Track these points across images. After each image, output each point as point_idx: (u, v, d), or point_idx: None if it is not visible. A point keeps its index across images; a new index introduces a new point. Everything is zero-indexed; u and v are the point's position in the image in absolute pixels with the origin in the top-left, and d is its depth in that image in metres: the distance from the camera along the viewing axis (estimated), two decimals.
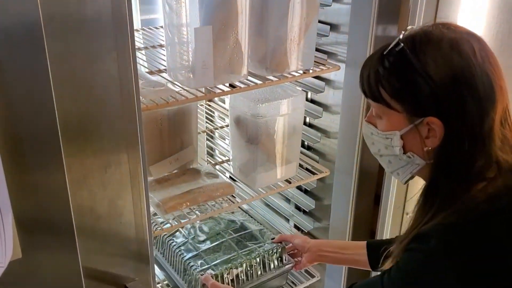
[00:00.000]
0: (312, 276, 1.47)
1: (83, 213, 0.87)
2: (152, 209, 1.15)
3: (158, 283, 1.48)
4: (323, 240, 1.26)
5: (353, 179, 1.29)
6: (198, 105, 1.45)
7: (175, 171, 1.28)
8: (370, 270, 1.12)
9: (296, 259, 1.32)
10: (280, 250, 1.30)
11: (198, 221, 1.41)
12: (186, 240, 1.34)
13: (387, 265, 0.84)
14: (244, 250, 1.30)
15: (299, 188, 1.48)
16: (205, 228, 1.40)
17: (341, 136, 1.29)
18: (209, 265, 1.23)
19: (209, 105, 1.67)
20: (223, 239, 1.35)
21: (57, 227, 0.83)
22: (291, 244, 1.31)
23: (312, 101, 1.37)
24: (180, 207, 1.12)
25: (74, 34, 0.75)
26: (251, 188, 1.24)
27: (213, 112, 1.68)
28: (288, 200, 1.57)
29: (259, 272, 1.28)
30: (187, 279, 1.26)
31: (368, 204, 1.36)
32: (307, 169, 1.39)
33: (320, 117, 1.34)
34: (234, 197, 1.21)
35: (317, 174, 1.33)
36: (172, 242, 1.34)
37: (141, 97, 0.96)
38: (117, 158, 0.87)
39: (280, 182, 1.29)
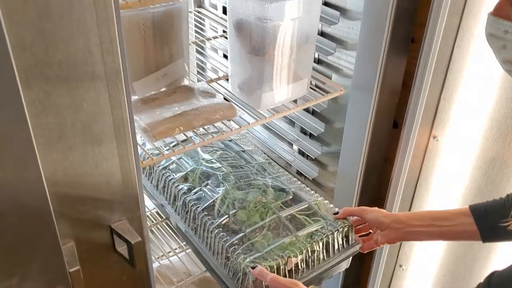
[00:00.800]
0: None
1: (49, 139, 0.67)
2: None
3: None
4: (407, 212, 0.98)
5: (373, 98, 1.10)
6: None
7: (164, 89, 1.07)
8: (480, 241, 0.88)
9: (361, 235, 1.07)
10: (346, 229, 1.05)
11: (237, 191, 1.13)
12: (227, 216, 1.06)
13: None
14: (302, 230, 1.03)
15: (306, 109, 1.29)
16: (249, 199, 1.11)
17: (361, 47, 1.08)
18: (260, 253, 0.96)
19: (199, 12, 1.42)
20: (273, 216, 1.06)
21: (21, 159, 0.63)
22: (355, 218, 1.06)
23: (326, 3, 1.14)
24: (172, 133, 0.92)
25: None
26: (256, 109, 1.05)
27: (203, 20, 1.43)
28: (292, 123, 1.38)
29: (321, 258, 1.01)
30: (231, 267, 0.98)
31: (387, 128, 1.19)
32: (317, 87, 1.19)
33: (336, 23, 1.11)
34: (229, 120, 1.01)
35: (330, 93, 1.13)
36: (209, 220, 1.05)
37: None
38: (91, 71, 0.66)
39: (286, 102, 1.09)
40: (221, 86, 1.15)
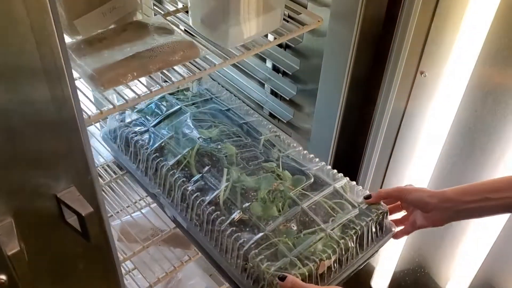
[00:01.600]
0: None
1: None
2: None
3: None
4: (455, 188, 0.80)
5: (355, 28, 0.97)
6: None
7: (113, 26, 0.91)
8: None
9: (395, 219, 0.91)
10: (381, 216, 0.87)
11: (247, 177, 0.92)
12: (241, 211, 0.85)
13: None
14: (332, 224, 0.84)
15: (279, 44, 1.15)
16: (263, 187, 0.90)
17: None
18: (287, 258, 0.78)
19: None
20: (295, 207, 0.86)
21: None
22: (387, 199, 0.88)
23: None
24: (124, 80, 0.78)
25: None
26: (223, 46, 0.90)
27: None
28: (263, 60, 1.24)
29: (354, 253, 0.84)
30: (251, 275, 0.80)
31: (368, 62, 1.07)
32: (291, 18, 1.04)
33: None
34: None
35: (307, 25, 0.99)
36: (218, 216, 0.85)
37: None
38: (6, 10, 0.51)
39: (257, 37, 0.95)
40: (181, 20, 0.99)
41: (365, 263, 0.89)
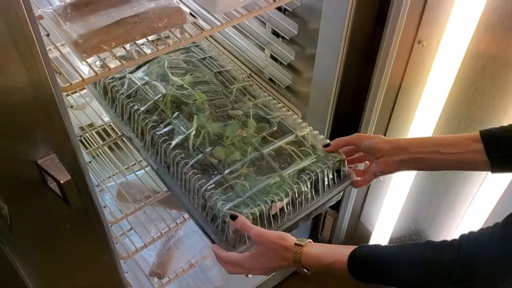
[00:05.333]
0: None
1: None
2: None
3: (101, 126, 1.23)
4: (409, 138, 0.84)
5: None
6: None
7: None
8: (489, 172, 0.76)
9: (355, 167, 0.94)
10: (338, 163, 0.91)
11: (213, 123, 0.97)
12: (203, 154, 0.91)
13: None
14: (288, 169, 0.89)
15: (278, 8, 1.12)
16: (228, 133, 0.95)
17: None
18: (241, 198, 0.84)
19: None
20: (255, 153, 0.91)
21: None
22: (348, 147, 0.92)
23: None
24: (107, 47, 0.78)
25: None
26: (211, 13, 0.89)
27: None
28: (263, 24, 1.22)
29: (309, 197, 0.88)
30: (210, 213, 0.86)
31: (369, 26, 1.03)
32: None
33: None
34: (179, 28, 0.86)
35: None
36: (182, 159, 0.90)
37: None
38: None
39: (249, 2, 0.93)
40: None
41: (324, 208, 0.94)
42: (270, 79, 1.28)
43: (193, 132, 0.94)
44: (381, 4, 0.98)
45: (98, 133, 1.23)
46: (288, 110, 1.01)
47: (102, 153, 1.18)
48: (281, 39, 1.19)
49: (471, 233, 0.63)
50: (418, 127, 1.11)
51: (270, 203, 0.83)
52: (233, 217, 0.79)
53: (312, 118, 1.21)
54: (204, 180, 0.86)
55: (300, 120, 0.99)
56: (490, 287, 0.60)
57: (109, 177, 1.17)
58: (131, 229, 1.16)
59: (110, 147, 1.18)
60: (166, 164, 0.94)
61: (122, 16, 0.82)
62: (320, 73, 1.13)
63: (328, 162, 0.90)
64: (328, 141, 0.93)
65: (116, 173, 1.16)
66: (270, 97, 1.04)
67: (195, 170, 0.88)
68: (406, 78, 1.05)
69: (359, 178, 0.91)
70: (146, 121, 0.97)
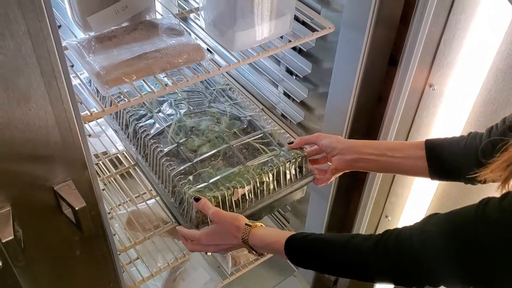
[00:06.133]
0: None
1: None
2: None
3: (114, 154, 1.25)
4: (363, 140, 0.92)
5: (366, 36, 0.97)
6: None
7: (125, 24, 0.94)
8: (429, 178, 0.82)
9: (318, 167, 1.02)
10: (300, 159, 1.00)
11: (190, 118, 1.08)
12: (176, 145, 1.01)
13: (488, 175, 0.59)
14: (252, 161, 0.98)
15: (292, 47, 1.16)
16: (202, 127, 1.06)
17: None
18: (206, 183, 0.92)
19: None
20: (224, 145, 1.01)
21: None
22: (313, 147, 1.00)
23: None
24: (127, 79, 0.81)
25: None
26: (228, 50, 0.92)
27: None
28: (277, 62, 1.25)
29: (271, 188, 0.97)
30: (178, 197, 0.96)
31: (382, 66, 1.06)
32: (303, 23, 1.05)
33: None
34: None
35: (318, 31, 0.99)
36: (157, 147, 1.01)
37: None
38: (3, 14, 0.54)
39: (265, 42, 0.96)
40: (192, 21, 1.01)
41: (287, 200, 1.03)
42: (282, 115, 1.30)
43: (171, 125, 1.05)
44: (395, 46, 1.00)
45: (111, 160, 1.25)
46: (265, 114, 1.16)
47: (114, 181, 1.20)
48: (294, 77, 1.22)
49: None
50: None
51: (232, 189, 0.91)
52: (197, 199, 0.88)
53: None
54: (175, 167, 0.96)
55: (270, 121, 1.11)
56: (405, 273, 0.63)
57: (119, 205, 1.19)
58: (138, 258, 1.17)
59: (122, 175, 1.20)
60: (144, 154, 1.04)
61: (144, 50, 0.86)
62: (333, 111, 1.15)
63: (290, 157, 0.98)
64: (292, 139, 1.03)
65: (127, 201, 1.18)
66: (246, 98, 1.19)
67: (168, 158, 0.98)
68: (416, 120, 1.06)
69: (321, 176, 0.99)
70: (129, 115, 1.08)
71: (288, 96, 1.26)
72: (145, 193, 1.19)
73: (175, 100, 1.13)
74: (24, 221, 0.71)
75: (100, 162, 1.23)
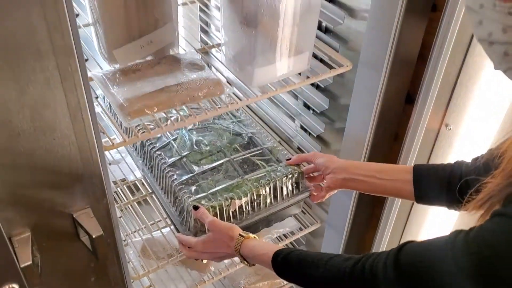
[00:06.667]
0: (312, 223, 1.26)
1: None
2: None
3: (132, 181, 1.27)
4: (355, 161, 0.98)
5: (382, 77, 0.98)
6: None
7: (149, 57, 0.98)
8: (414, 202, 0.86)
9: (315, 184, 1.07)
10: (296, 175, 1.05)
11: (195, 133, 1.14)
12: (180, 157, 1.07)
13: (471, 207, 0.62)
14: (251, 174, 1.03)
15: (311, 84, 1.18)
16: (205, 141, 1.12)
17: (372, 19, 0.96)
18: (205, 194, 0.98)
19: None
20: (225, 159, 1.07)
21: None
22: (311, 165, 1.04)
23: None
24: (148, 111, 0.83)
25: None
26: (247, 86, 0.95)
27: None
28: (295, 96, 1.27)
29: (268, 201, 1.02)
30: (178, 206, 1.01)
31: (398, 104, 1.07)
32: (321, 60, 1.07)
33: None
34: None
35: (335, 68, 1.01)
36: (162, 159, 1.07)
37: None
38: (35, 50, 0.57)
39: (284, 78, 0.98)
40: (213, 56, 1.04)
41: (284, 214, 1.08)
42: (299, 148, 1.32)
43: (177, 139, 1.10)
44: (412, 84, 1.02)
45: (128, 187, 1.27)
46: (266, 132, 1.22)
47: (131, 207, 1.22)
48: (311, 111, 1.24)
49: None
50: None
51: (229, 200, 0.96)
52: (196, 208, 0.93)
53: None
54: (177, 178, 1.02)
55: (270, 138, 1.17)
56: None
57: (134, 231, 1.20)
58: (150, 286, 1.17)
59: (138, 202, 1.22)
60: (150, 166, 1.10)
61: (166, 84, 0.89)
62: (349, 147, 1.16)
63: (287, 172, 1.03)
64: (290, 155, 1.08)
65: (142, 228, 1.19)
66: (248, 116, 1.24)
67: (171, 169, 1.04)
68: (432, 159, 1.06)
69: (317, 193, 1.03)
70: (138, 128, 1.14)
71: (305, 130, 1.28)
72: (160, 220, 1.20)
73: (181, 115, 1.19)
74: (42, 246, 0.73)
75: (118, 188, 1.25)
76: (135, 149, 1.16)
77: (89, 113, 0.65)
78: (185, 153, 1.08)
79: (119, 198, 1.23)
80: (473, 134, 0.98)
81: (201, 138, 1.13)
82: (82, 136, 0.67)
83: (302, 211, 1.38)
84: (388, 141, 1.13)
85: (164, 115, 0.89)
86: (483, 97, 0.93)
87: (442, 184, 0.80)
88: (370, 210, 1.24)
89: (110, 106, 0.91)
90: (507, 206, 0.54)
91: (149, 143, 1.11)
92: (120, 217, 1.19)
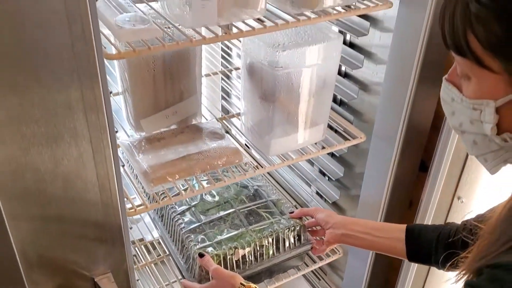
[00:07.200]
0: (334, 253, 1.26)
1: (26, 193, 0.64)
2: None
3: (150, 241, 1.30)
4: (353, 218, 1.03)
5: (396, 148, 1.02)
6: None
7: (174, 126, 1.04)
8: (406, 260, 0.90)
9: (316, 238, 1.11)
10: (298, 228, 1.08)
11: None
12: (189, 206, 1.13)
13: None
14: (255, 225, 1.08)
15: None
16: (213, 192, 1.18)
17: (385, 93, 1.01)
18: (210, 242, 1.02)
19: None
20: (231, 210, 1.12)
21: None
22: (312, 219, 1.08)
23: (351, 45, 1.07)
24: (170, 178, 0.88)
25: None
26: (264, 155, 0.99)
27: (231, 50, 1.39)
28: (311, 163, 1.31)
29: (270, 252, 1.06)
30: (185, 254, 1.06)
31: (412, 172, 1.09)
32: (336, 131, 1.12)
33: (360, 67, 1.04)
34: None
35: (349, 140, 1.06)
36: (172, 208, 1.13)
37: (114, 40, 0.70)
38: (72, 128, 0.63)
39: (299, 148, 1.03)
40: (233, 125, 1.10)
41: (286, 266, 1.12)
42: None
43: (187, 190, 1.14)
44: (425, 152, 1.05)
45: (145, 246, 1.30)
46: (271, 185, 1.25)
47: (147, 268, 1.24)
48: (327, 178, 1.27)
49: None
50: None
51: (233, 250, 1.00)
52: (201, 255, 0.97)
53: (353, 254, 1.23)
54: (185, 226, 1.07)
55: (275, 191, 1.21)
56: None
57: None
58: None
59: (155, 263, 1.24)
60: (160, 215, 1.15)
61: (188, 152, 0.94)
62: (364, 214, 1.17)
63: (289, 225, 1.07)
64: (293, 209, 1.12)
65: None
66: (256, 170, 1.21)
67: (180, 217, 1.09)
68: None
69: (318, 247, 1.08)
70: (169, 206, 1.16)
71: (321, 196, 1.31)
72: (175, 281, 1.22)
73: None
74: None
75: (135, 248, 1.28)
76: (148, 198, 1.20)
77: (116, 183, 0.70)
78: (194, 203, 1.14)
79: (137, 259, 1.26)
80: (486, 208, 0.99)
81: (210, 190, 1.18)
82: (108, 203, 0.72)
83: (317, 277, 1.39)
84: (403, 208, 1.15)
85: (184, 181, 0.93)
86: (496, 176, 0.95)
87: (431, 245, 0.84)
88: (385, 276, 1.24)
89: (134, 171, 0.96)
90: (478, 278, 0.56)
91: (160, 192, 1.14)
92: (138, 280, 1.21)
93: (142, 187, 1.04)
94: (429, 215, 1.06)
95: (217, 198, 1.16)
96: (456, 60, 0.58)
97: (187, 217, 1.10)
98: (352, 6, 0.86)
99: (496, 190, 0.97)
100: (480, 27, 0.50)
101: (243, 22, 0.78)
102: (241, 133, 1.05)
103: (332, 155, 1.23)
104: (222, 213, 1.11)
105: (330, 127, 1.12)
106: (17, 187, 0.62)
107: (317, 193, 1.32)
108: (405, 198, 1.14)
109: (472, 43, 0.52)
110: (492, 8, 0.49)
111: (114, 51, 0.72)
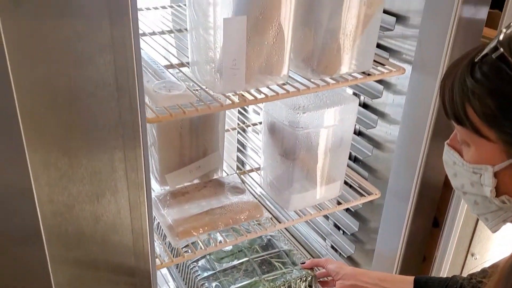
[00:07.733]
0: None
1: (66, 248, 0.69)
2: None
3: None
4: (362, 269, 1.06)
5: (410, 205, 1.06)
6: None
7: (196, 180, 1.09)
8: None
9: None
10: (310, 278, 1.11)
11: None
12: (204, 255, 1.16)
13: None
14: (268, 275, 1.11)
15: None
16: (227, 241, 1.21)
17: (399, 152, 1.06)
18: None
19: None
20: (245, 259, 1.16)
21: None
22: (323, 270, 1.11)
23: (365, 106, 1.13)
24: (195, 233, 0.92)
25: None
26: (284, 209, 1.03)
27: (247, 106, 1.46)
28: (326, 217, 1.35)
29: None
30: None
31: (425, 228, 1.13)
32: (351, 187, 1.16)
33: (374, 127, 1.10)
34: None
35: (365, 196, 1.10)
36: (186, 253, 1.16)
37: (150, 103, 0.76)
38: (113, 186, 0.68)
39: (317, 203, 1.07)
40: (253, 179, 1.15)
41: None
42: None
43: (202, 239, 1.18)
44: (438, 210, 1.08)
45: None
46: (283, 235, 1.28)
47: None
48: (342, 232, 1.30)
49: None
50: None
51: None
52: None
53: None
54: (200, 273, 1.11)
55: (287, 241, 1.24)
56: None
57: None
58: None
59: None
60: (181, 270, 1.17)
61: (211, 206, 0.98)
62: (379, 268, 1.20)
63: (301, 275, 1.10)
64: (305, 260, 1.16)
65: None
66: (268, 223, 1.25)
67: (195, 264, 1.14)
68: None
69: None
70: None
71: (336, 250, 1.33)
72: None
73: None
74: None
75: None
76: (163, 239, 1.23)
77: (148, 240, 0.74)
78: (210, 252, 1.17)
79: None
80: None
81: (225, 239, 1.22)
82: (140, 256, 0.75)
83: None
84: (417, 263, 1.17)
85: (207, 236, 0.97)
86: (508, 231, 0.98)
87: None
88: None
89: (159, 225, 1.00)
90: None
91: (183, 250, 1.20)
92: None
93: (163, 239, 1.08)
94: (443, 271, 1.09)
95: (231, 247, 1.20)
96: (456, 128, 0.63)
97: (202, 265, 1.14)
98: (367, 72, 0.93)
99: (509, 246, 1.00)
100: (476, 101, 0.56)
101: (267, 87, 0.85)
102: (261, 187, 1.10)
103: (347, 209, 1.27)
104: (236, 261, 1.15)
105: (345, 183, 1.16)
106: (60, 238, 0.67)
107: (332, 246, 1.35)
108: (418, 254, 1.17)
109: (470, 115, 0.57)
110: (486, 85, 0.55)
111: (150, 114, 0.78)
